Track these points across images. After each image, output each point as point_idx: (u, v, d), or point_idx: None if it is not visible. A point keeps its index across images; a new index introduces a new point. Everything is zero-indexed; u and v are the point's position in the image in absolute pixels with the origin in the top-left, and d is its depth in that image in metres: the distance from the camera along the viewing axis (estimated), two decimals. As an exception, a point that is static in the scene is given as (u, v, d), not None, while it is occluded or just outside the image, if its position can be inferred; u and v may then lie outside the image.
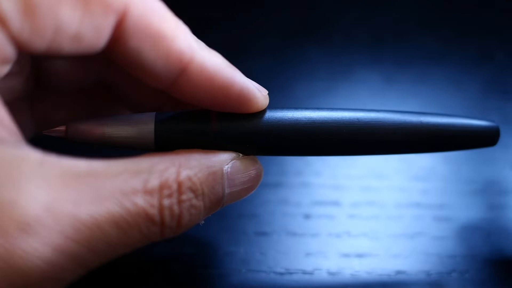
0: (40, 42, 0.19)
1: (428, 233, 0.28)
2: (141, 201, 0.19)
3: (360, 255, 0.27)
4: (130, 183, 0.19)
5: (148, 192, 0.19)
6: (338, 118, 0.22)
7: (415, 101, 0.36)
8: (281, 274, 0.26)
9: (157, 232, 0.20)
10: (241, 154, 0.22)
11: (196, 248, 0.27)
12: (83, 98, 0.25)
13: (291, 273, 0.26)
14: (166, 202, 0.20)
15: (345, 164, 0.32)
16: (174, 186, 0.20)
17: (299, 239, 0.28)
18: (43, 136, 0.22)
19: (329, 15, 0.43)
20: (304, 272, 0.26)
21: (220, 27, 0.43)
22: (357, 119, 0.22)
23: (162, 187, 0.20)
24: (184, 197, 0.20)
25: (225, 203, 0.22)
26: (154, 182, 0.20)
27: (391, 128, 0.22)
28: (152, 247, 0.27)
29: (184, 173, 0.20)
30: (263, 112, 0.22)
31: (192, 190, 0.20)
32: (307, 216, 0.29)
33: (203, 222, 0.22)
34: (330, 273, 0.26)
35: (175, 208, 0.20)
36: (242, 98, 0.21)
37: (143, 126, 0.22)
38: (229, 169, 0.21)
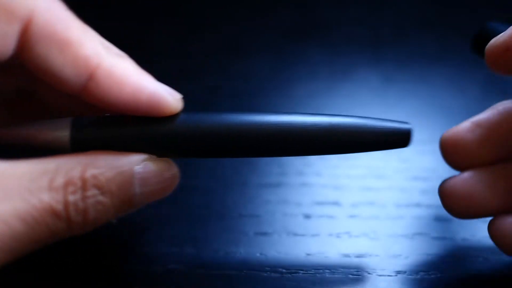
0: None
1: (428, 233, 0.28)
2: (46, 197, 0.20)
3: (360, 255, 0.27)
4: (36, 182, 0.20)
5: (53, 189, 0.20)
6: (245, 120, 0.23)
7: (415, 101, 0.36)
8: (281, 274, 0.26)
9: (64, 227, 0.21)
10: (155, 156, 0.23)
11: (196, 248, 0.27)
12: (6, 106, 0.25)
13: (291, 273, 0.26)
14: (71, 197, 0.21)
15: (345, 164, 0.32)
16: (79, 183, 0.21)
17: (300, 239, 0.28)
18: None
19: (329, 15, 0.43)
20: (305, 272, 0.26)
21: (220, 27, 0.43)
22: (266, 122, 0.23)
23: (67, 184, 0.21)
24: (88, 193, 0.21)
25: (139, 203, 0.23)
26: (59, 180, 0.21)
27: (300, 130, 0.23)
28: (152, 247, 0.27)
29: (90, 172, 0.21)
30: (176, 115, 0.23)
31: (98, 187, 0.21)
32: (307, 216, 0.29)
33: (115, 221, 0.22)
34: (331, 273, 0.26)
35: (80, 203, 0.21)
36: (153, 102, 0.22)
37: (60, 131, 0.23)
38: (140, 170, 0.22)
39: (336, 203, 0.29)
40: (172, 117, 0.23)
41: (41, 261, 0.26)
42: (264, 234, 0.28)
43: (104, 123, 0.23)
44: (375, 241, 0.28)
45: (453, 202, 0.25)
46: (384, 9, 0.44)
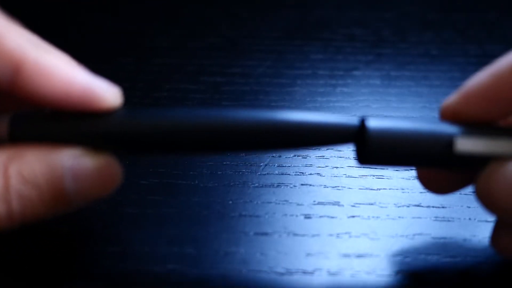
0: None
1: (428, 233, 0.28)
2: None
3: (360, 255, 0.27)
4: None
5: None
6: (185, 116, 0.22)
7: (415, 101, 0.36)
8: (282, 274, 0.26)
9: None
10: (93, 152, 0.22)
11: (196, 248, 0.27)
12: None
13: (291, 273, 0.26)
14: None
15: (345, 164, 0.32)
16: (2, 175, 0.21)
17: (300, 239, 0.28)
18: None
19: (329, 15, 0.43)
20: (305, 272, 0.26)
21: (220, 27, 0.43)
22: (207, 117, 0.22)
23: None
24: (12, 186, 0.21)
25: (74, 200, 0.22)
26: None
27: (246, 126, 0.22)
28: (151, 246, 0.27)
29: (16, 164, 0.21)
30: (116, 111, 0.22)
31: (23, 180, 0.21)
32: (307, 217, 0.29)
33: (50, 217, 0.22)
34: (331, 273, 0.26)
35: (3, 196, 0.21)
36: (86, 97, 0.21)
37: None
38: (73, 164, 0.21)
39: (336, 203, 0.29)
40: (112, 113, 0.22)
41: (39, 261, 0.26)
42: (264, 234, 0.28)
43: (44, 118, 0.22)
44: (375, 241, 0.28)
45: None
46: (384, 9, 0.44)
